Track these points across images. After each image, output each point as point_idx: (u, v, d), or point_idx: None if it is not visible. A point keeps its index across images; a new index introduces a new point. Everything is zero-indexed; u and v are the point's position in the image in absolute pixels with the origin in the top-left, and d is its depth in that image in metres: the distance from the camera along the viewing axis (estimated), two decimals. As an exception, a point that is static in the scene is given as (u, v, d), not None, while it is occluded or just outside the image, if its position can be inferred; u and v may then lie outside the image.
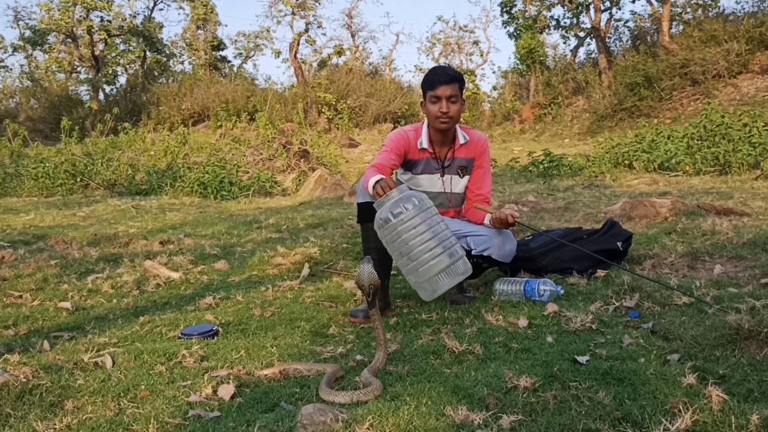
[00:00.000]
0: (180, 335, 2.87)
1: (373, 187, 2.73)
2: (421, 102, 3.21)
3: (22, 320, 3.27)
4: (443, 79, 3.09)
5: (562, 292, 3.14)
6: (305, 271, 4.07)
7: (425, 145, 3.20)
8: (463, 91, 3.17)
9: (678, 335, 2.43)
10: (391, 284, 3.37)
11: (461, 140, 3.24)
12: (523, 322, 2.75)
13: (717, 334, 2.32)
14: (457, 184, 3.29)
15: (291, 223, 6.16)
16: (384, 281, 3.07)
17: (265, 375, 2.31)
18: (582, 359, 2.22)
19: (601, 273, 3.44)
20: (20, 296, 3.70)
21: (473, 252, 3.14)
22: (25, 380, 2.16)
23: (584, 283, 3.32)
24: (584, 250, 3.47)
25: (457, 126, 3.23)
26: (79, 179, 10.52)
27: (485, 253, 3.15)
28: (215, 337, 2.84)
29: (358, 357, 2.47)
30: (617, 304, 2.91)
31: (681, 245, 4.05)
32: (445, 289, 2.74)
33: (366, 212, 3.07)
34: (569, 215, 5.78)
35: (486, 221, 3.18)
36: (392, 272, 3.57)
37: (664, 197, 5.73)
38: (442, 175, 3.26)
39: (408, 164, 3.24)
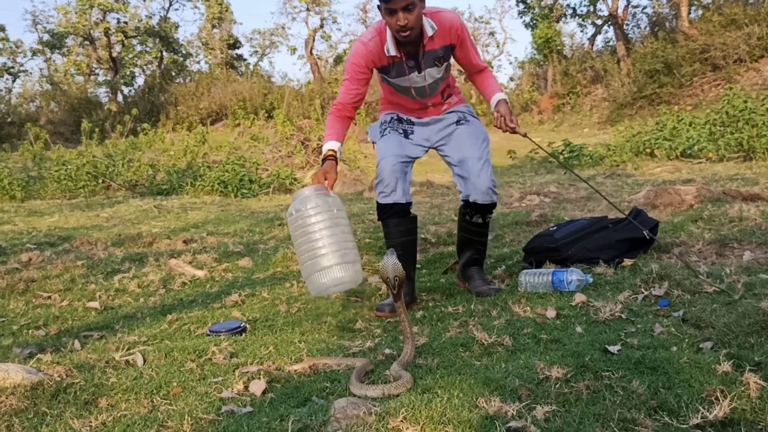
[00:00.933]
0: (208, 332, 2.89)
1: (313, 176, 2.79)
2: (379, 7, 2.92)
3: (52, 320, 3.31)
4: None
5: (591, 280, 3.11)
6: (329, 266, 4.07)
7: (393, 52, 2.99)
8: None
9: (710, 323, 2.40)
10: (416, 278, 3.36)
11: (429, 32, 2.98)
12: (551, 313, 2.73)
13: (750, 321, 2.29)
14: (438, 72, 3.11)
15: (312, 219, 6.16)
16: (409, 273, 3.05)
17: (295, 370, 2.32)
18: (613, 349, 2.20)
19: (627, 262, 3.40)
20: (49, 297, 3.74)
21: (461, 198, 3.18)
22: (59, 379, 2.19)
23: (611, 273, 3.29)
24: (615, 237, 3.44)
25: (423, 17, 2.94)
26: (100, 180, 10.63)
27: (470, 200, 3.13)
28: (243, 334, 2.85)
29: (387, 351, 2.47)
30: (646, 293, 2.87)
31: (708, 232, 4.00)
32: (326, 290, 2.72)
33: (386, 211, 3.07)
34: (592, 205, 5.73)
35: (492, 103, 3.09)
36: (417, 265, 3.57)
37: (688, 184, 5.67)
38: (420, 72, 3.07)
39: (380, 71, 3.09)
